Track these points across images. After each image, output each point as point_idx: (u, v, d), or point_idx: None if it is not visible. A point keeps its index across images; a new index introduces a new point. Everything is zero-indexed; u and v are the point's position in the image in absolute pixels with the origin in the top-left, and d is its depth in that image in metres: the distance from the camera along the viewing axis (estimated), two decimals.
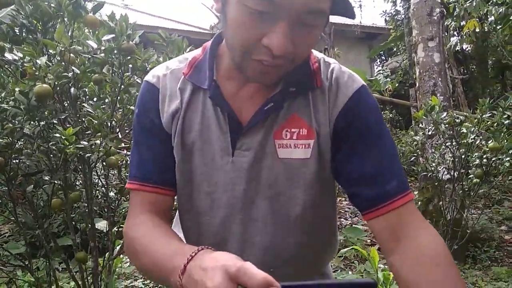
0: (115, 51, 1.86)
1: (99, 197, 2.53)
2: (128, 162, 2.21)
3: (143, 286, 3.11)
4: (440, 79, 3.89)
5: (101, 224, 3.30)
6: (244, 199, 0.79)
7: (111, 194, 2.25)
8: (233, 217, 0.80)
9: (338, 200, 5.60)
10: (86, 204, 2.11)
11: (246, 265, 0.50)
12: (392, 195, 0.73)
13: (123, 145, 2.21)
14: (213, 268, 0.53)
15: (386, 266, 3.28)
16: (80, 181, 2.19)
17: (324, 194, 0.83)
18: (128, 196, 2.24)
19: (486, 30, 7.23)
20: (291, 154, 0.77)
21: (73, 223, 2.30)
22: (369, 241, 3.95)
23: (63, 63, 1.70)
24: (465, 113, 3.11)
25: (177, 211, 0.91)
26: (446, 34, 6.55)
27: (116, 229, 2.94)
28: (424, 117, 2.65)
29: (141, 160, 0.82)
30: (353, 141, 0.76)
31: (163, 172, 0.81)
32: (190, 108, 0.80)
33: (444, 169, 3.05)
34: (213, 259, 0.55)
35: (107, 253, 2.29)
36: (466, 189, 2.88)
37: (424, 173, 3.08)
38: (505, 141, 2.48)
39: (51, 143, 1.78)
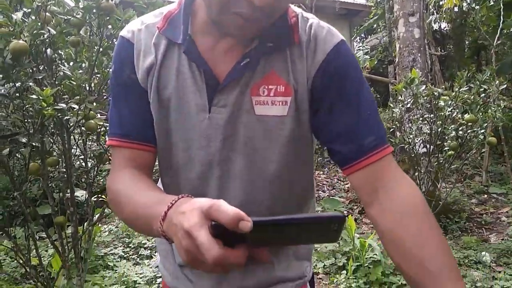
0: (94, 10, 1.79)
1: (77, 167, 2.49)
2: (107, 128, 2.18)
3: (123, 254, 3.12)
4: (419, 54, 3.93)
5: (80, 194, 3.26)
6: (220, 156, 0.78)
7: (89, 163, 2.21)
8: (210, 173, 0.80)
9: (316, 173, 5.69)
10: (64, 170, 2.08)
11: (219, 202, 0.52)
12: (370, 149, 0.74)
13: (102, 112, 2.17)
14: (191, 210, 0.54)
15: (362, 235, 3.38)
16: (58, 147, 2.14)
17: (301, 152, 0.83)
18: (106, 162, 2.21)
19: (464, 9, 7.32)
20: (268, 111, 0.76)
21: (52, 191, 2.26)
22: (346, 212, 4.05)
23: (39, 22, 1.63)
24: (442, 87, 3.17)
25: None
26: (426, 12, 6.60)
27: (95, 199, 2.92)
28: (403, 89, 2.69)
29: (120, 116, 0.81)
30: (332, 97, 0.76)
31: (142, 128, 0.81)
32: (164, 64, 0.78)
33: (420, 141, 3.13)
34: (191, 203, 0.56)
35: (86, 221, 2.27)
36: (441, 161, 2.97)
37: (402, 145, 3.14)
38: (481, 114, 2.55)
39: (27, 105, 1.73)
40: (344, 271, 3.02)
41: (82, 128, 2.05)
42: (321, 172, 5.83)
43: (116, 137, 0.81)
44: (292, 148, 0.79)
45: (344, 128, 0.75)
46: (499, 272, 2.98)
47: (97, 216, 2.73)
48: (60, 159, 2.04)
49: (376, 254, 3.00)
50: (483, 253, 3.36)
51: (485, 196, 4.82)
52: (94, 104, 1.82)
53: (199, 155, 0.79)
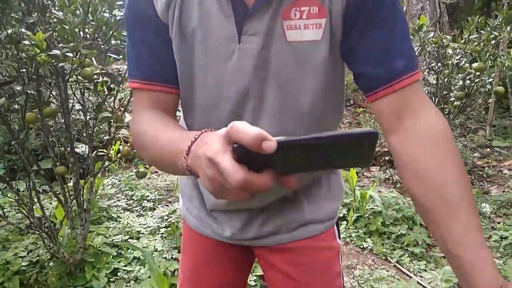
0: None
1: (77, 120, 2.46)
2: (105, 78, 2.12)
3: (126, 206, 3.15)
4: (428, 2, 3.77)
5: (81, 149, 3.26)
6: (252, 89, 0.74)
7: (88, 116, 2.17)
8: (241, 109, 0.75)
9: None
10: (63, 120, 2.05)
11: (239, 123, 0.48)
12: (398, 74, 0.69)
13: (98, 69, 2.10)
14: (213, 139, 0.51)
15: (362, 188, 3.39)
16: (56, 97, 2.09)
17: (334, 84, 0.78)
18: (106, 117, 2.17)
19: None
20: (301, 36, 0.70)
21: (53, 145, 2.24)
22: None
23: None
24: (452, 34, 3.06)
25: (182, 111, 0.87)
26: None
27: (96, 153, 2.91)
28: (411, 37, 2.59)
29: (138, 57, 0.77)
30: (366, 17, 0.70)
31: (162, 69, 0.77)
32: None
33: (426, 92, 3.06)
34: (214, 134, 0.53)
35: (88, 175, 2.26)
36: (446, 113, 2.92)
37: None
38: (490, 62, 2.47)
39: (21, 52, 1.66)
40: (345, 222, 3.06)
41: (79, 77, 2.00)
42: None
43: (136, 79, 0.77)
44: (326, 78, 0.74)
45: (376, 49, 0.70)
46: (498, 223, 3.01)
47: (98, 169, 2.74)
48: (58, 110, 2.01)
49: (377, 205, 3.02)
50: (483, 204, 3.38)
51: (488, 149, 4.80)
52: (89, 50, 1.75)
53: (229, 91, 0.74)
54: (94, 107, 2.13)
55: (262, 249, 0.95)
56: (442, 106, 2.86)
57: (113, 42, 2.01)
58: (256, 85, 0.73)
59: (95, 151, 2.31)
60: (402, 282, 2.32)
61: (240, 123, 0.48)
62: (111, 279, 2.25)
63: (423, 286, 2.34)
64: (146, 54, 0.76)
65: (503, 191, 3.64)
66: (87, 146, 2.23)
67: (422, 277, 2.49)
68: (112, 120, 1.74)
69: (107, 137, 2.20)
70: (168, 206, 3.16)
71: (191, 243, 1.02)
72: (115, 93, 2.10)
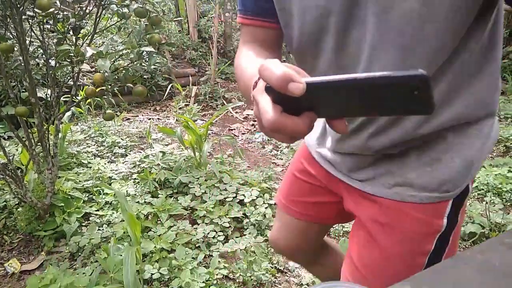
0: None
1: (39, 65, 2.31)
2: (65, 13, 1.96)
3: (96, 152, 3.07)
4: None
5: (45, 94, 3.10)
6: (366, 17, 0.64)
7: (53, 62, 2.02)
8: (348, 39, 0.68)
9: None
10: (21, 58, 1.90)
11: (268, 61, 0.44)
12: None
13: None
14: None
15: None
16: (11, 33, 1.93)
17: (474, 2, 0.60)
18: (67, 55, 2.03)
19: None
20: None
21: (18, 90, 2.10)
22: None
23: None
24: None
25: None
26: None
27: (61, 97, 2.78)
28: None
29: None
30: None
31: (263, 3, 0.76)
32: None
33: None
34: None
35: (52, 118, 2.15)
36: None
37: None
38: None
39: None
40: None
41: (36, 11, 1.84)
42: None
43: (240, 14, 0.80)
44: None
45: None
46: None
47: (66, 114, 2.61)
48: (14, 47, 1.86)
49: None
50: None
51: None
52: None
53: (333, 22, 0.66)
54: (55, 47, 1.98)
55: (356, 199, 0.89)
56: None
57: None
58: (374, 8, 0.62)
59: (61, 96, 2.19)
60: None
61: (270, 61, 0.44)
62: (83, 224, 2.22)
63: None
64: None
65: None
66: (48, 88, 2.10)
67: None
68: (72, 55, 1.62)
69: (72, 82, 2.08)
70: (140, 152, 3.09)
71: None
72: (78, 29, 1.95)
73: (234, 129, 4.23)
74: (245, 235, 2.20)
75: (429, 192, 0.75)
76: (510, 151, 3.27)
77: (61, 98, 2.51)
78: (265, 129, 0.49)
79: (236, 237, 2.16)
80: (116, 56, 1.84)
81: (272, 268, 1.98)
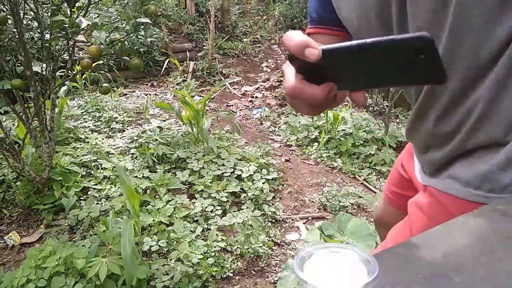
0: None
1: (34, 39, 2.27)
2: None
3: (94, 127, 3.06)
4: None
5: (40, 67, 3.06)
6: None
7: (47, 35, 1.98)
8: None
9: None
10: (15, 30, 1.87)
11: (290, 31, 0.47)
12: None
13: None
14: None
15: (335, 109, 3.39)
16: (4, 5, 1.89)
17: None
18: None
19: None
20: None
21: (13, 64, 2.07)
22: None
23: None
24: None
25: None
26: None
27: (59, 74, 2.74)
28: None
29: (309, 4, 0.84)
30: None
31: (323, 11, 0.79)
32: None
33: None
34: None
35: (48, 92, 2.13)
36: None
37: None
38: None
39: None
40: (316, 143, 3.10)
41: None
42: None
43: (310, 25, 0.83)
44: None
45: None
46: None
47: (62, 89, 2.58)
48: (10, 19, 1.82)
49: (348, 127, 3.05)
50: None
51: None
52: None
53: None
54: (50, 19, 1.94)
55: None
56: None
57: None
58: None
59: (56, 70, 2.16)
60: (367, 196, 2.41)
61: (292, 31, 0.47)
62: (82, 198, 2.23)
63: None
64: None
65: None
66: (44, 62, 2.07)
67: None
68: (67, 26, 1.59)
69: (68, 55, 2.05)
70: (138, 127, 3.08)
71: None
72: (72, 1, 1.91)
73: (232, 105, 4.21)
74: (242, 209, 2.23)
75: (473, 189, 0.65)
76: None
77: (57, 73, 2.49)
78: (287, 97, 0.52)
79: (234, 211, 2.19)
80: (112, 28, 1.81)
81: (269, 241, 2.01)
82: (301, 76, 0.49)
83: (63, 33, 1.66)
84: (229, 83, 4.56)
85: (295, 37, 0.46)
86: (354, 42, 0.42)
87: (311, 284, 0.30)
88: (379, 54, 0.42)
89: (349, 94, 0.51)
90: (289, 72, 0.50)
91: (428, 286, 0.35)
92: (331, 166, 2.86)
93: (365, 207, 2.37)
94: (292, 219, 2.27)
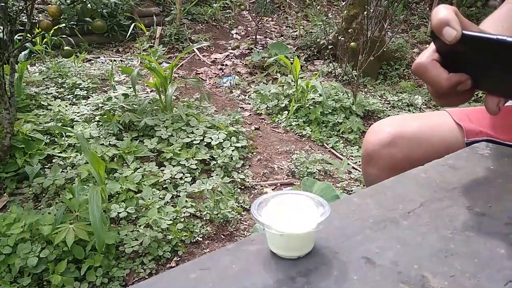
0: None
1: None
2: None
3: (57, 94, 2.95)
4: None
5: None
6: None
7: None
8: None
9: (265, 20, 5.45)
10: None
11: (442, 5, 0.45)
12: None
13: None
14: None
15: (305, 78, 3.41)
16: None
17: None
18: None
19: None
20: None
21: None
22: (292, 59, 4.00)
23: None
24: None
25: None
26: None
27: (18, 38, 2.60)
28: None
29: None
30: None
31: None
32: None
33: None
34: None
35: (7, 56, 2.02)
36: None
37: None
38: None
39: None
40: (286, 112, 3.12)
41: None
42: (270, 19, 5.58)
43: None
44: None
45: None
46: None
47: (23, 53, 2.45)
48: None
49: (318, 95, 3.08)
50: (416, 96, 3.57)
51: (427, 46, 4.93)
52: None
53: None
54: None
55: None
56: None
57: None
58: None
59: (14, 32, 2.05)
60: (334, 162, 2.48)
61: (443, 5, 0.45)
62: (46, 166, 2.17)
63: (353, 167, 2.53)
64: None
65: None
66: (2, 26, 1.96)
67: (352, 158, 2.67)
68: None
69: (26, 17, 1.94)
70: (103, 94, 2.99)
71: None
72: None
73: (202, 73, 4.14)
74: (212, 176, 2.24)
75: None
76: None
77: (16, 36, 2.36)
78: (412, 72, 0.52)
79: (203, 179, 2.20)
80: None
81: (238, 207, 2.05)
82: (437, 56, 0.46)
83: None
84: (197, 48, 4.47)
85: (439, 12, 0.43)
86: (498, 36, 0.39)
87: (269, 226, 0.32)
88: None
89: (487, 97, 0.45)
90: (428, 49, 0.47)
91: (378, 230, 0.37)
92: (300, 134, 2.90)
93: (331, 173, 2.43)
94: (261, 186, 2.31)
